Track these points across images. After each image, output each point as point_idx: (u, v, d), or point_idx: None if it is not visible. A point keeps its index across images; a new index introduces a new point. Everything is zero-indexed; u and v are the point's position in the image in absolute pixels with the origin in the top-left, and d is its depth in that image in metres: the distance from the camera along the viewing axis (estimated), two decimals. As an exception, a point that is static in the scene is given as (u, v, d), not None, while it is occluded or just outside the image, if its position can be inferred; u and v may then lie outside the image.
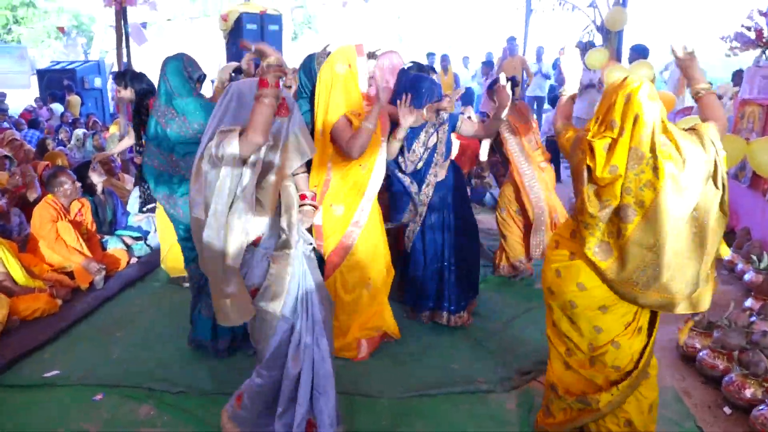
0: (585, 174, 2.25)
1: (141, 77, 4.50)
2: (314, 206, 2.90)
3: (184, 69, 3.34)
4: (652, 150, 2.10)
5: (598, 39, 6.96)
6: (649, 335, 2.44)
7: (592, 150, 2.20)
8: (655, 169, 2.10)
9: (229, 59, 11.65)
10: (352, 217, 3.35)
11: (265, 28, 11.16)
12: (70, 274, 4.53)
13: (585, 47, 7.83)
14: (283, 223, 2.37)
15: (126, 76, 4.53)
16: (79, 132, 8.17)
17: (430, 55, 12.60)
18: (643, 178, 2.14)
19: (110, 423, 2.90)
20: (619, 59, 6.75)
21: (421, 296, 3.85)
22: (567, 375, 2.56)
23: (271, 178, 2.28)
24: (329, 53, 3.34)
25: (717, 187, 2.17)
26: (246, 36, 11.06)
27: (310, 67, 3.40)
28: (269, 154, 2.26)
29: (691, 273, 2.21)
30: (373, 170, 3.35)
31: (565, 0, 7.66)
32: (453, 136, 3.83)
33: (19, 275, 4.12)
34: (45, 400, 3.08)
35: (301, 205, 2.69)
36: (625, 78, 2.20)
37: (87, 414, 2.96)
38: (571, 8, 7.49)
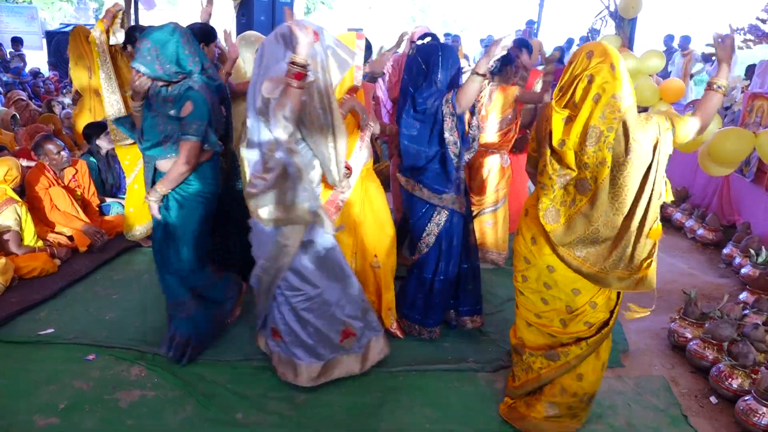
0: (548, 138, 2.30)
1: None
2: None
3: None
4: (610, 129, 2.16)
5: (611, 26, 6.87)
6: (618, 295, 2.49)
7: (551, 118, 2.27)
8: (610, 148, 2.17)
9: (239, 30, 11.55)
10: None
11: (276, 1, 11.03)
12: (70, 237, 4.55)
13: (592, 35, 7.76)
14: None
15: None
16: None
17: (447, 35, 12.76)
18: (599, 155, 2.19)
19: (101, 382, 2.93)
20: (630, 48, 6.66)
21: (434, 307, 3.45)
22: (529, 333, 2.61)
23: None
24: None
25: (648, 178, 2.20)
26: (256, 8, 10.94)
27: None
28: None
29: (617, 253, 2.28)
30: (352, 152, 3.26)
31: (580, -16, 7.54)
32: None
33: (29, 236, 4.15)
34: (38, 358, 3.12)
35: None
36: (593, 54, 2.19)
37: (78, 372, 3.00)
38: (585, -7, 7.38)
